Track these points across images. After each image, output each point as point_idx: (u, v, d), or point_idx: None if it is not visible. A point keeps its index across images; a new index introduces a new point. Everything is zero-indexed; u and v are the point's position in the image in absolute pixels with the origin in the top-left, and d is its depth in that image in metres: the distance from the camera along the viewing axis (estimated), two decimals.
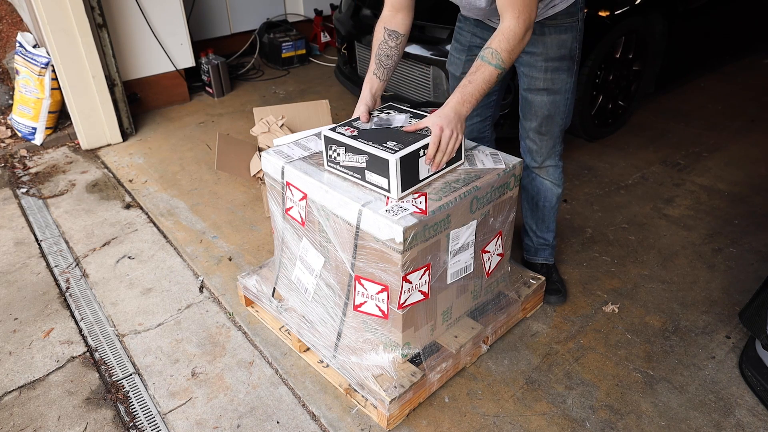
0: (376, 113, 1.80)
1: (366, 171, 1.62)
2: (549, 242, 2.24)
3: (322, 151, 1.76)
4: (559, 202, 2.18)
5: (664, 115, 3.69)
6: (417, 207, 1.55)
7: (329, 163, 1.73)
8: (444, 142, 1.59)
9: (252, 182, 2.95)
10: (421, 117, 1.74)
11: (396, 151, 1.54)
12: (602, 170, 3.10)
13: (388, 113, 1.80)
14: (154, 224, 2.76)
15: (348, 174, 1.69)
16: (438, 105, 2.74)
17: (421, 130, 1.64)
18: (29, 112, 3.44)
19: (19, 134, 3.54)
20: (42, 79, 3.38)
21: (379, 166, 1.57)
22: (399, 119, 1.75)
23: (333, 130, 1.70)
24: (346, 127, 1.71)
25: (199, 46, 4.15)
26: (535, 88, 1.90)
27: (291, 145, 1.89)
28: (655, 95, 3.82)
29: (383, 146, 1.58)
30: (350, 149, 1.63)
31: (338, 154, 1.68)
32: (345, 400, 1.82)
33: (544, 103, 1.91)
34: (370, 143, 1.60)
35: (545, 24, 1.80)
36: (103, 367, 1.98)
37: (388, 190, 1.59)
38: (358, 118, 1.76)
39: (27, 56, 3.37)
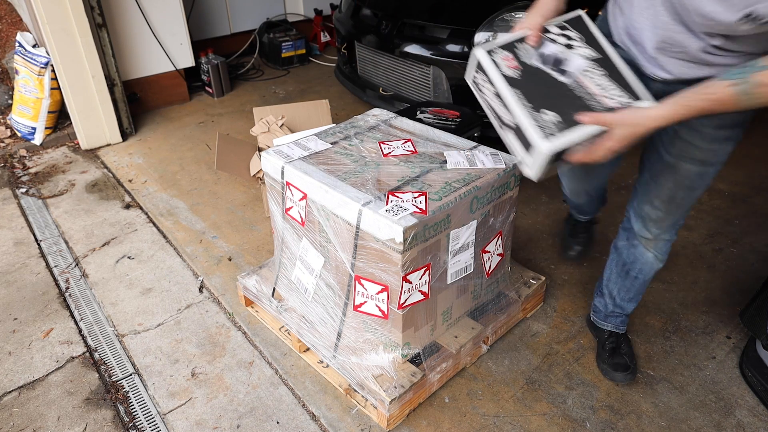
0: (552, 32, 1.36)
1: (506, 127, 1.33)
2: (626, 312, 1.90)
3: (477, 64, 1.36)
4: (654, 274, 1.80)
5: None
6: (417, 207, 1.55)
7: (473, 82, 1.42)
8: (598, 156, 1.26)
9: (252, 182, 2.94)
10: (603, 63, 1.32)
11: (551, 136, 1.21)
12: None
13: (569, 40, 1.35)
14: (154, 224, 2.76)
15: (487, 108, 1.40)
16: (438, 105, 2.75)
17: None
18: (29, 112, 3.44)
19: (19, 134, 3.53)
20: (41, 78, 3.37)
21: (525, 139, 1.26)
22: (576, 62, 1.32)
23: (490, 52, 1.32)
24: (507, 54, 1.32)
25: (198, 46, 4.15)
26: (689, 157, 1.47)
27: (291, 145, 1.89)
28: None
29: (539, 119, 1.23)
30: (499, 96, 1.30)
31: (484, 83, 1.35)
32: (345, 401, 1.81)
33: (691, 174, 1.49)
34: (525, 102, 1.24)
35: None
36: (102, 367, 1.98)
37: (523, 163, 1.32)
38: (523, 39, 1.34)
39: (26, 56, 3.37)
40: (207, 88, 4.19)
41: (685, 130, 1.44)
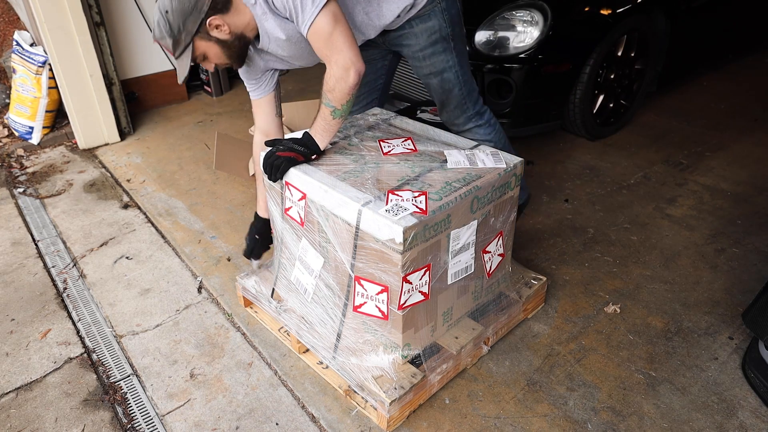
0: None
1: None
2: None
3: None
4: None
5: (667, 115, 3.67)
6: (417, 207, 1.53)
7: None
8: None
9: (251, 182, 2.93)
10: None
11: None
12: (604, 170, 3.08)
13: None
14: (152, 224, 2.74)
15: None
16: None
17: None
18: (26, 112, 3.43)
19: (16, 133, 3.52)
20: (39, 78, 3.36)
21: None
22: None
23: None
24: None
25: None
26: (424, 74, 2.07)
27: None
28: (657, 94, 3.80)
29: None
30: None
31: None
32: (345, 402, 1.80)
33: (437, 84, 2.08)
34: None
35: (410, 21, 1.93)
36: (100, 368, 1.97)
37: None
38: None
39: (24, 55, 3.35)
40: (206, 87, 4.18)
41: (412, 60, 2.04)
